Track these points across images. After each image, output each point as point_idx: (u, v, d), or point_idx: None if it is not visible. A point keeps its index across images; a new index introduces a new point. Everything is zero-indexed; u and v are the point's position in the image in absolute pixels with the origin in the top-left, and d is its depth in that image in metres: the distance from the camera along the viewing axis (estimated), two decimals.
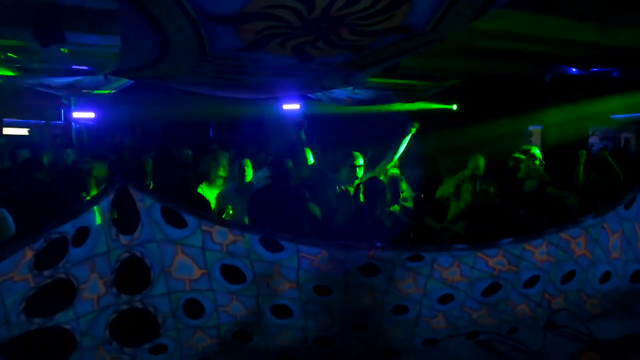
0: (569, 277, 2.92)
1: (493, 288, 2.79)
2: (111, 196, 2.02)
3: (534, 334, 2.79)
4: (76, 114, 9.95)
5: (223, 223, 2.21)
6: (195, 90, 5.86)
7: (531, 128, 13.59)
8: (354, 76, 5.21)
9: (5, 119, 11.33)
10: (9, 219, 3.57)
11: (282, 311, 2.45)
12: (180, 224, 2.15)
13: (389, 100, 8.28)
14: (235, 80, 4.73)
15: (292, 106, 9.55)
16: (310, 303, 2.47)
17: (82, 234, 2.03)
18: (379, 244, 2.41)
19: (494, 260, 2.73)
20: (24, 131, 11.56)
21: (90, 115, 9.93)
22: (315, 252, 2.37)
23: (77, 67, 7.30)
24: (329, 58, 4.07)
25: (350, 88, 6.73)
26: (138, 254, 2.16)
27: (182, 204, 2.12)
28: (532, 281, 2.85)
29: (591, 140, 10.49)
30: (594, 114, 9.48)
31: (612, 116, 11.60)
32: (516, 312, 2.92)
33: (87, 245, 2.05)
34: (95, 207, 2.02)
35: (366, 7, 2.98)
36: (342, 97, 7.56)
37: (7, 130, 11.03)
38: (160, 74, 4.32)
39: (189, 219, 2.14)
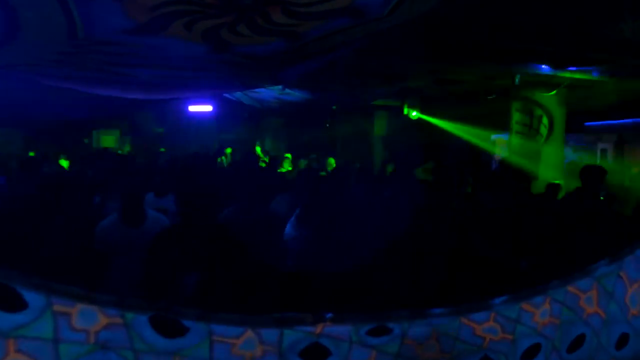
0: (577, 343, 2.72)
1: None
2: None
3: None
4: None
5: (90, 299, 1.74)
6: (67, 87, 5.30)
7: (494, 137, 14.04)
8: (286, 72, 4.93)
9: None
10: None
11: None
12: (15, 305, 1.66)
13: (329, 103, 8.06)
14: (121, 74, 4.27)
15: (201, 108, 9.18)
16: None
17: None
18: (328, 315, 2.03)
19: (483, 326, 2.47)
20: None
21: None
22: (237, 333, 1.97)
23: None
24: (254, 47, 3.76)
25: (279, 87, 6.43)
26: None
27: (17, 274, 1.63)
28: (531, 351, 2.62)
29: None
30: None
31: (587, 124, 12.14)
32: None
33: None
34: None
35: None
36: (269, 98, 7.26)
37: None
38: (8, 61, 3.77)
39: (31, 297, 1.66)
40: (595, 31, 5.57)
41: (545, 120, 9.49)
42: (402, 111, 10.39)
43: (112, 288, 3.50)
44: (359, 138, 13.03)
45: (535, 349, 2.62)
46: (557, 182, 6.99)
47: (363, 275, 3.71)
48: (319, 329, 2.08)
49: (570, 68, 7.57)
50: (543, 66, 7.64)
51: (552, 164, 9.39)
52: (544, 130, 9.55)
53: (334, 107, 8.59)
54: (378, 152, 13.26)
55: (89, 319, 1.77)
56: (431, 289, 3.52)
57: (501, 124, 10.54)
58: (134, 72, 4.34)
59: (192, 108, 9.22)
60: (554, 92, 9.17)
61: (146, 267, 3.41)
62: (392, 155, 12.54)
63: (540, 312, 2.57)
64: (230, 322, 1.96)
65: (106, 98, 6.70)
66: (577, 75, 7.86)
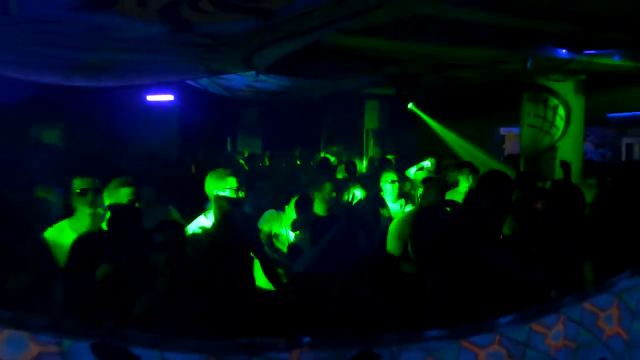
0: None
1: None
2: None
3: None
4: None
5: (19, 323, 1.71)
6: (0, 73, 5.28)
7: (503, 131, 14.17)
8: (258, 56, 4.94)
9: None
10: None
11: None
12: None
13: (309, 91, 8.09)
14: (64, 58, 4.25)
15: (160, 97, 9.21)
16: None
17: None
18: (305, 339, 2.02)
19: (487, 351, 2.46)
20: None
21: None
22: None
23: None
24: (219, 26, 3.76)
25: (253, 73, 6.44)
26: None
27: None
28: None
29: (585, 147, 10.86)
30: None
31: (609, 115, 12.25)
32: None
33: None
34: None
35: None
36: (240, 86, 7.26)
37: None
38: None
39: None
40: (615, 9, 5.62)
41: (561, 111, 9.48)
42: (397, 101, 10.42)
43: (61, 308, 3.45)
44: (348, 131, 13.08)
45: None
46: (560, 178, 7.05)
47: (349, 288, 3.71)
48: (294, 355, 2.05)
49: (588, 51, 7.64)
50: (560, 50, 7.70)
51: (569, 160, 9.37)
52: (560, 122, 9.54)
53: (315, 97, 8.58)
54: (370, 148, 13.32)
55: (17, 348, 1.73)
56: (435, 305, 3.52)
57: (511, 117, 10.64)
58: (77, 55, 4.32)
59: (151, 98, 9.21)
60: (571, 80, 9.21)
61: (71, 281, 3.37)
62: (386, 152, 12.64)
63: (552, 333, 2.56)
64: (188, 349, 1.93)
65: (48, 87, 6.68)
66: (597, 60, 7.92)
